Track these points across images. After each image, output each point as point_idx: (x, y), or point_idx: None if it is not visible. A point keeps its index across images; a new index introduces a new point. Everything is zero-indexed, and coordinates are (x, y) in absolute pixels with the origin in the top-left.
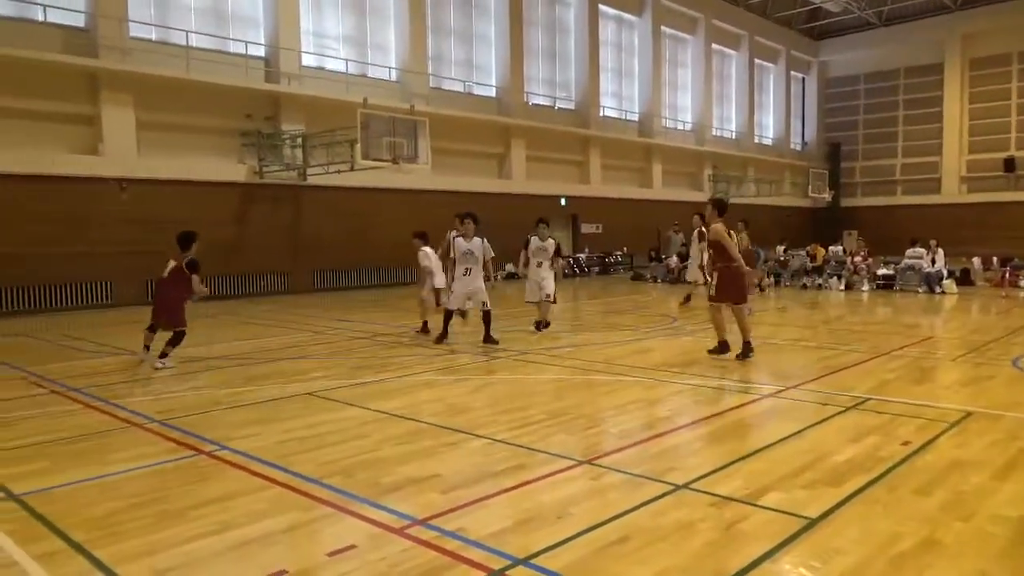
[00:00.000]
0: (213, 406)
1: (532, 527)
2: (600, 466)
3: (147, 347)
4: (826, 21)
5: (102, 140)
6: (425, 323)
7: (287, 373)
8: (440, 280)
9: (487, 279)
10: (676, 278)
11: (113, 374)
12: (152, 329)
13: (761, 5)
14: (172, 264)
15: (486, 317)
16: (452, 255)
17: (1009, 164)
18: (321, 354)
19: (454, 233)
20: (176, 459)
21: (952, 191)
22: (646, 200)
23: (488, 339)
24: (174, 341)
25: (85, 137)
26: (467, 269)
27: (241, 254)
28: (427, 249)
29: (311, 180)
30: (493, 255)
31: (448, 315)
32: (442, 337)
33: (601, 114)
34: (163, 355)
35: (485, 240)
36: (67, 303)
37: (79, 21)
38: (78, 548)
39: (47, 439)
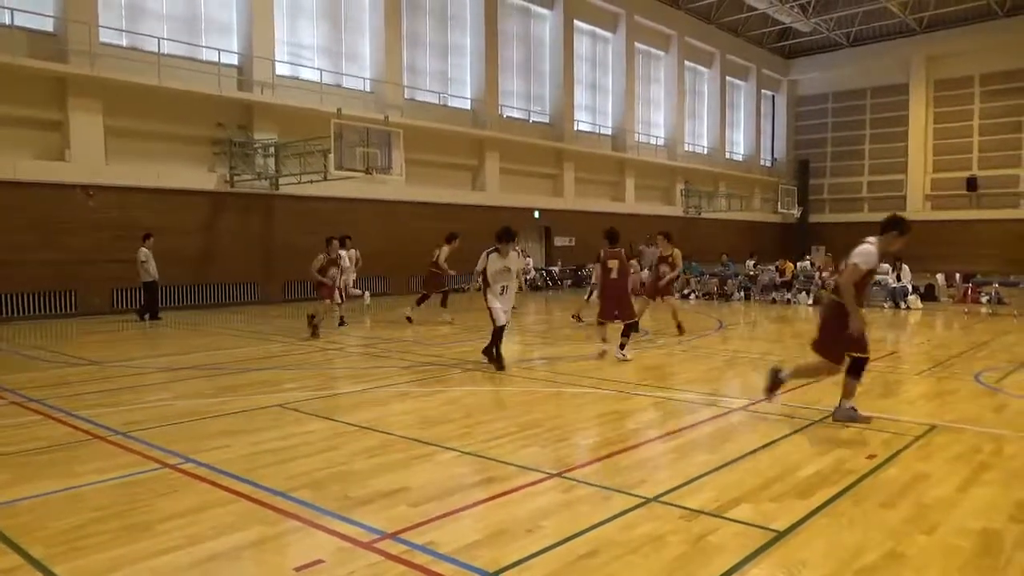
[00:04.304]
0: (181, 418)
1: (502, 540)
2: (570, 479)
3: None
4: (796, 41)
5: (69, 146)
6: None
7: (258, 384)
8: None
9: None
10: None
11: (75, 385)
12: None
13: (733, 24)
14: (615, 261)
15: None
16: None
17: (971, 183)
18: (292, 365)
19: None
20: (141, 472)
21: (917, 208)
22: (619, 214)
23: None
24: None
25: (52, 143)
26: None
27: (211, 263)
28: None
29: (283, 190)
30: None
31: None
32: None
33: (575, 128)
34: (622, 346)
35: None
36: (29, 312)
37: (48, 26)
38: (37, 564)
39: (6, 451)
